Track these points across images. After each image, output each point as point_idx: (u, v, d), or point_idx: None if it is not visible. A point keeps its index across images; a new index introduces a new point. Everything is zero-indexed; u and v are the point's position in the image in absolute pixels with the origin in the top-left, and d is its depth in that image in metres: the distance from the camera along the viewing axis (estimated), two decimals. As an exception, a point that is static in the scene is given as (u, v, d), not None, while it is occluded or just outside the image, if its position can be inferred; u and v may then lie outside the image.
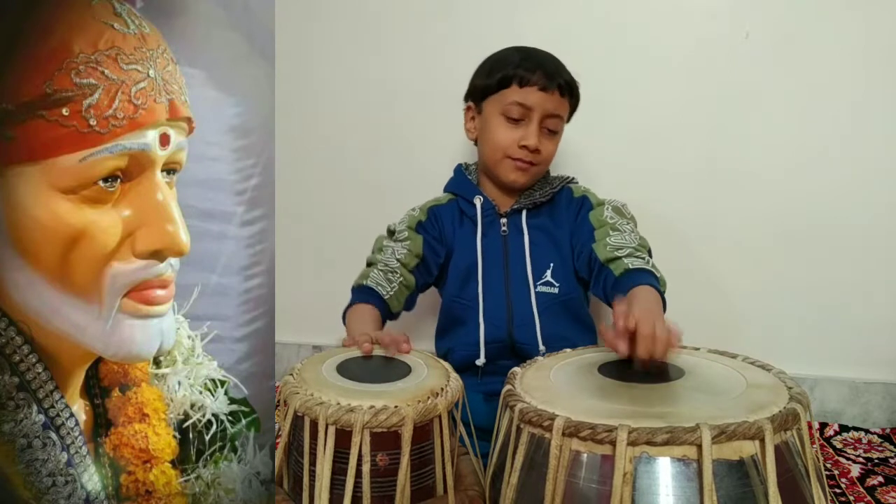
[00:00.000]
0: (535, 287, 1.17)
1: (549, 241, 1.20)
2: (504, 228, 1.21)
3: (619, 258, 1.06)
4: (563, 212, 1.22)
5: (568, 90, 1.18)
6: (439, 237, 1.23)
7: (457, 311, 1.21)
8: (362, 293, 1.14)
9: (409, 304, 1.21)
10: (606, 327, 0.88)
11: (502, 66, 1.18)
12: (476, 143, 1.25)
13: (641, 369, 0.84)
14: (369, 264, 1.19)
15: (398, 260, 1.17)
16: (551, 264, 1.19)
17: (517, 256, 1.19)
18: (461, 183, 1.27)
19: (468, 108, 1.25)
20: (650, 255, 1.09)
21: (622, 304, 0.89)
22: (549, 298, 1.17)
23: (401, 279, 1.16)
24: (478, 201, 1.22)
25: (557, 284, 1.18)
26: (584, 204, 1.21)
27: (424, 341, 1.33)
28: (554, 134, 1.19)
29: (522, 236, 1.19)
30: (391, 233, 1.23)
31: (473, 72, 1.23)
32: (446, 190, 1.29)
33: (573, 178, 1.26)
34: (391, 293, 1.14)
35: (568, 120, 1.23)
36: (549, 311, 1.16)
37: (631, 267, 1.03)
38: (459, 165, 1.30)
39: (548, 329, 1.15)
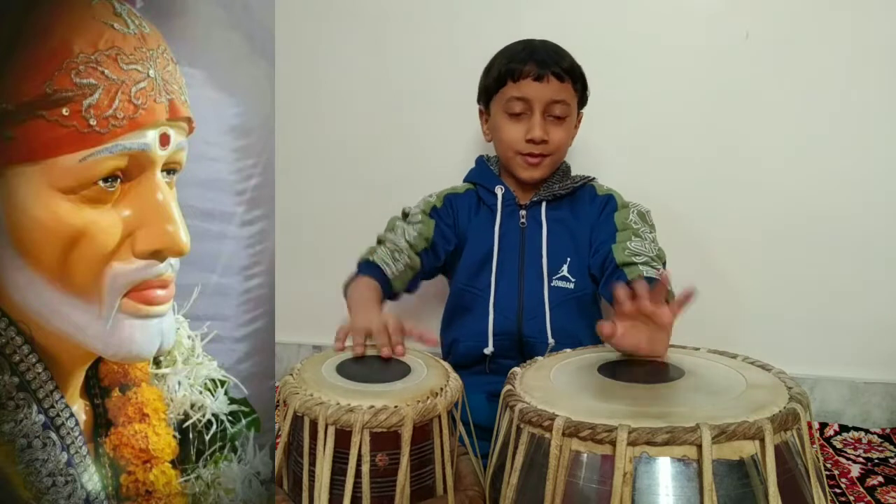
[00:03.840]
0: (550, 281, 1.17)
1: (568, 235, 1.20)
2: (523, 220, 1.21)
3: (635, 264, 1.07)
4: (587, 207, 1.22)
5: (567, 75, 1.16)
6: (452, 224, 1.23)
7: (466, 299, 1.20)
8: (367, 268, 1.14)
9: (412, 287, 1.21)
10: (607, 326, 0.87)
11: (497, 64, 1.19)
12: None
13: (644, 359, 0.85)
14: (379, 242, 1.20)
15: (407, 241, 1.17)
16: (568, 259, 1.18)
17: (534, 248, 1.19)
18: (483, 173, 1.27)
19: (481, 112, 1.26)
20: (664, 267, 1.10)
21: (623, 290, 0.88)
22: (564, 294, 1.17)
23: (407, 260, 1.15)
24: (499, 191, 1.22)
25: (573, 280, 1.18)
26: (610, 203, 1.21)
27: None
28: (561, 120, 1.18)
29: (541, 228, 1.19)
30: (405, 215, 1.24)
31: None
32: (466, 180, 1.29)
33: (594, 178, 1.26)
34: (395, 273, 1.14)
35: (583, 104, 1.23)
36: (561, 307, 1.16)
37: (644, 274, 1.04)
38: (481, 157, 1.30)
39: (558, 324, 1.15)
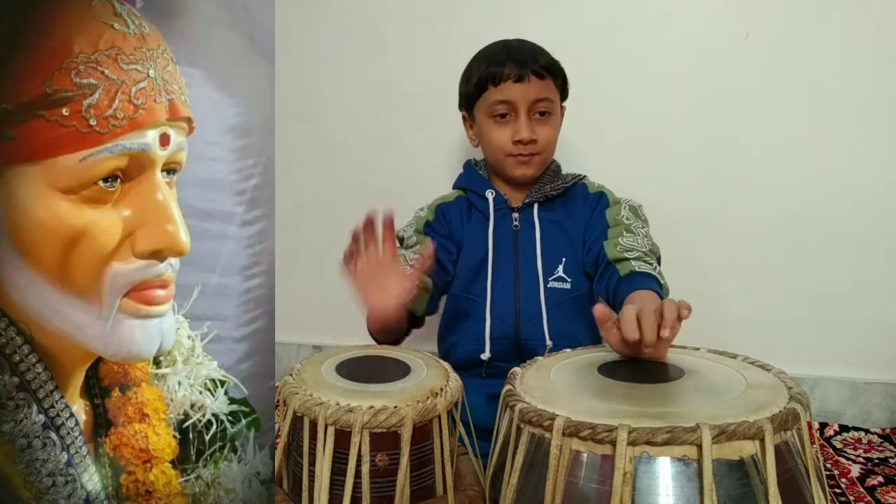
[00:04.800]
0: (547, 283, 1.17)
1: (563, 235, 1.20)
2: (516, 223, 1.21)
3: (627, 259, 1.06)
4: (580, 206, 1.21)
5: (547, 72, 1.17)
6: (448, 235, 1.23)
7: (463, 306, 1.20)
8: None
9: (432, 308, 1.20)
10: (602, 310, 0.85)
11: (475, 70, 1.19)
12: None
13: (644, 358, 0.85)
14: None
15: (410, 265, 1.14)
16: (563, 259, 1.18)
17: (528, 251, 1.19)
18: (471, 178, 1.26)
19: (464, 119, 1.26)
20: (658, 263, 1.10)
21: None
22: (561, 294, 1.17)
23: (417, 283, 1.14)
24: (490, 195, 1.21)
25: (570, 280, 1.18)
26: (602, 200, 1.21)
27: (426, 342, 1.33)
28: (547, 117, 1.18)
29: (534, 230, 1.19)
30: (401, 240, 1.22)
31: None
32: (456, 186, 1.28)
33: (585, 176, 1.26)
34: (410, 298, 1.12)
35: (564, 98, 1.23)
36: (558, 308, 1.16)
37: (637, 269, 1.04)
38: (469, 161, 1.30)
39: (555, 325, 1.15)
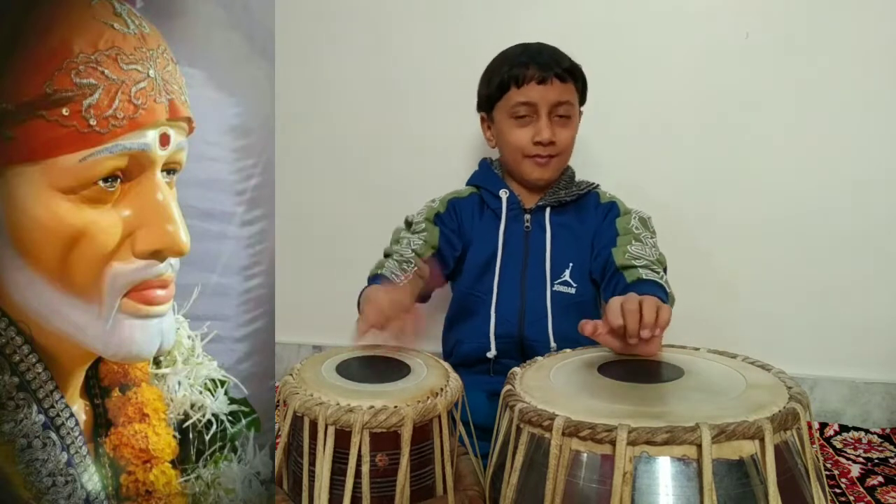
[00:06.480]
0: (552, 286, 1.18)
1: (572, 240, 1.20)
2: (527, 224, 1.21)
3: (634, 267, 1.07)
4: (591, 214, 1.22)
5: (569, 75, 1.18)
6: (457, 230, 1.23)
7: (469, 303, 1.21)
8: (377, 281, 1.14)
9: (424, 296, 1.21)
10: (586, 325, 0.88)
11: (498, 71, 1.19)
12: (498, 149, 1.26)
13: (644, 358, 0.85)
14: (386, 255, 1.20)
15: (413, 250, 1.17)
16: (570, 264, 1.19)
17: (537, 253, 1.19)
18: (487, 176, 1.27)
19: (482, 119, 1.26)
20: (665, 272, 1.10)
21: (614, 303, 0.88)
22: (565, 299, 1.18)
23: (415, 269, 1.15)
24: (504, 194, 1.22)
25: (575, 285, 1.18)
26: (613, 209, 1.22)
27: (431, 341, 1.33)
28: (567, 120, 1.19)
29: (545, 233, 1.20)
30: (409, 224, 1.24)
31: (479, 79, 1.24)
32: (469, 183, 1.29)
33: (598, 185, 1.27)
34: (405, 283, 1.13)
35: (582, 102, 1.24)
36: (562, 311, 1.16)
37: (644, 277, 1.04)
38: (485, 160, 1.31)
39: (559, 328, 1.15)
